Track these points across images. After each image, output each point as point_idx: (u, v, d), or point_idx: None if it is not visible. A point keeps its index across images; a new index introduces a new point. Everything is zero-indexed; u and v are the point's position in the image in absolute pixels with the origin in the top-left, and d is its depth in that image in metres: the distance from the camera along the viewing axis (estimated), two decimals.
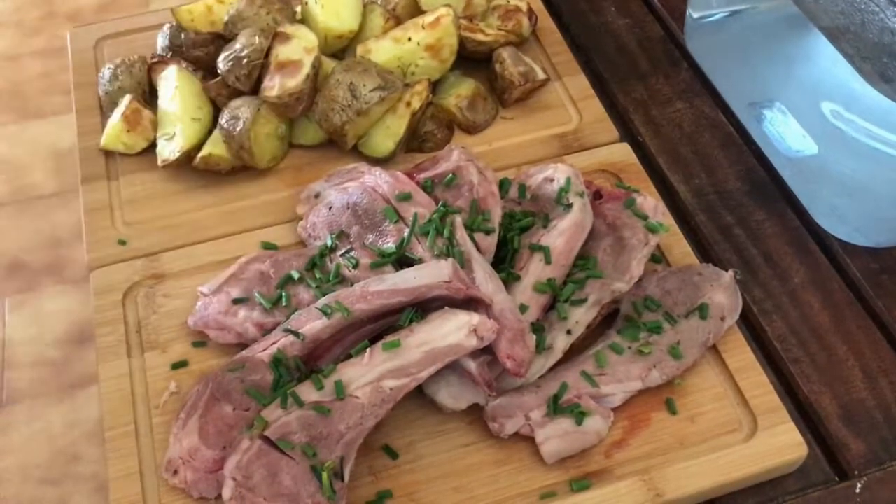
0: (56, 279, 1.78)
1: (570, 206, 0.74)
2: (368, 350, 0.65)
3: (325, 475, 0.61)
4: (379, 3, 0.90)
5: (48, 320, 1.71)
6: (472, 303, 0.67)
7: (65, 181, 1.94)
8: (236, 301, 0.71)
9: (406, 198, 0.74)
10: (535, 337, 0.67)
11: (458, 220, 0.72)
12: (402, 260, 0.71)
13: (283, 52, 0.82)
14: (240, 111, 0.81)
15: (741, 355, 0.72)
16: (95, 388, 0.78)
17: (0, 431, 1.57)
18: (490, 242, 0.73)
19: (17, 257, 1.82)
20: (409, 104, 0.84)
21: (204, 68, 0.88)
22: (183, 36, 0.88)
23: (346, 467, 0.62)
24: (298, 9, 0.89)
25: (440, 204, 0.73)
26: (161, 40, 0.90)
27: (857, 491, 0.67)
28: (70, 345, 1.68)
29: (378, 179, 0.76)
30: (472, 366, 0.66)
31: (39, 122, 2.05)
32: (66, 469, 1.54)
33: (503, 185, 0.79)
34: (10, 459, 1.54)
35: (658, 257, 0.77)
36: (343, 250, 0.73)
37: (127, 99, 0.86)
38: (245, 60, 0.82)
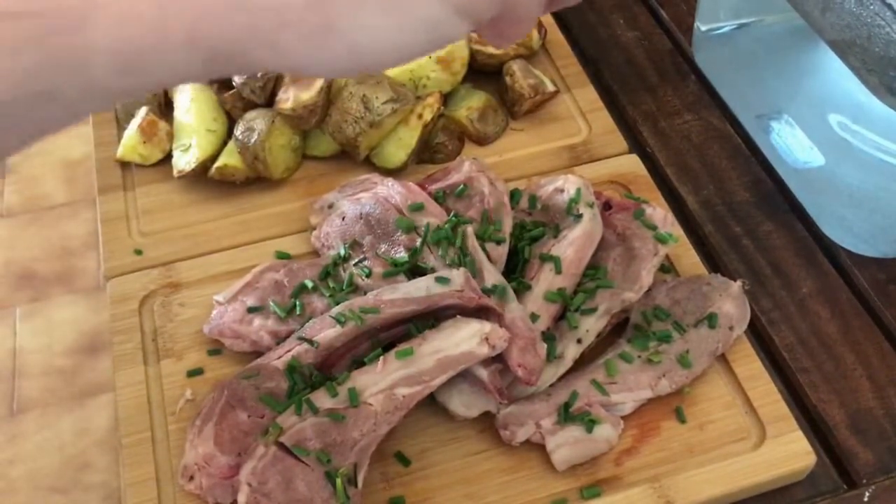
0: (67, 288, 1.81)
1: (580, 216, 0.75)
2: (382, 358, 0.66)
3: (339, 481, 0.61)
4: None
5: (59, 329, 1.73)
6: (483, 312, 0.68)
7: (75, 191, 1.96)
8: (251, 310, 0.72)
9: (418, 208, 0.75)
10: (545, 346, 0.68)
11: (470, 230, 0.73)
12: (415, 269, 0.72)
13: None
14: (254, 123, 0.82)
15: (749, 364, 0.72)
16: (105, 396, 0.79)
17: (11, 440, 1.59)
18: (501, 252, 0.74)
19: (29, 267, 1.84)
20: (420, 116, 0.85)
21: (219, 81, 0.89)
22: None
23: (360, 474, 0.63)
24: None
25: (452, 214, 0.74)
26: None
27: (866, 500, 0.68)
28: (80, 354, 1.70)
29: (390, 190, 0.77)
30: (483, 374, 0.66)
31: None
32: (75, 477, 1.55)
33: (514, 196, 0.80)
34: (20, 467, 1.56)
35: (667, 267, 0.78)
36: (356, 260, 0.74)
37: (143, 111, 0.88)
38: (260, 73, 0.83)
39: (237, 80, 0.84)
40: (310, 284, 0.73)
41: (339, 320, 0.67)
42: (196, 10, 0.32)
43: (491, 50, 0.92)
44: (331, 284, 0.73)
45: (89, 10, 0.31)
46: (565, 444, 0.66)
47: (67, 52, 0.31)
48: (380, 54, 0.37)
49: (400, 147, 0.85)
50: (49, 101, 0.32)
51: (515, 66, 0.91)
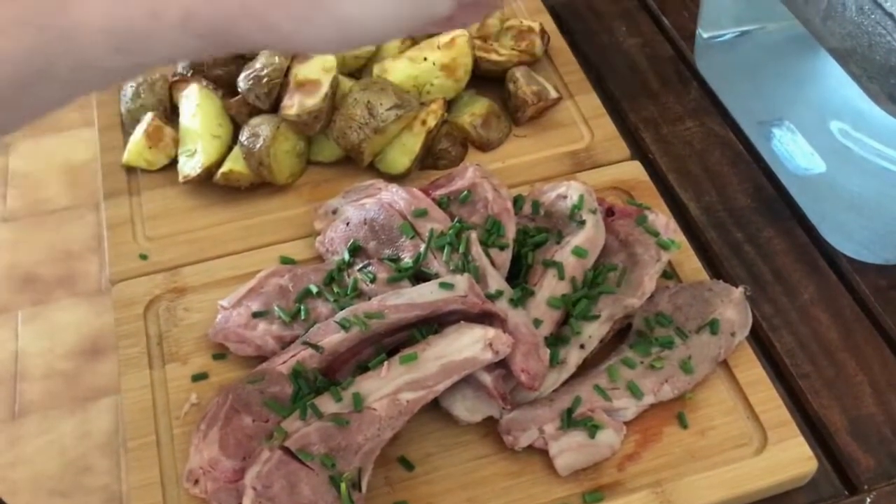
0: (68, 292, 1.81)
1: (582, 222, 0.75)
2: (386, 363, 0.66)
3: (343, 486, 0.62)
4: None
5: (60, 333, 1.74)
6: (487, 317, 0.68)
7: (78, 195, 1.97)
8: (256, 314, 0.72)
9: (422, 214, 0.75)
10: (548, 351, 0.68)
11: (474, 235, 0.73)
12: (419, 275, 0.72)
13: (302, 71, 0.84)
14: (259, 129, 0.83)
15: (751, 370, 0.73)
16: (107, 400, 0.79)
17: (12, 443, 1.59)
18: (504, 258, 0.74)
19: (31, 270, 1.85)
20: (424, 122, 0.85)
21: (224, 87, 0.90)
22: None
23: (364, 478, 0.64)
24: None
25: (455, 220, 0.75)
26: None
27: None
28: (82, 357, 1.70)
29: (394, 196, 0.77)
30: (487, 379, 0.67)
31: (54, 136, 2.08)
32: (77, 480, 1.55)
33: (517, 202, 0.80)
34: (22, 470, 1.56)
35: (669, 273, 0.79)
36: (360, 265, 0.74)
37: (149, 116, 0.88)
38: (265, 79, 0.83)
39: (242, 85, 0.85)
40: (314, 289, 0.73)
41: (344, 325, 0.68)
42: None
43: (494, 57, 0.92)
44: (335, 289, 0.73)
45: None
46: (568, 450, 0.66)
47: (58, 32, 0.32)
48: (366, 27, 0.38)
49: (404, 153, 0.86)
50: (47, 80, 0.34)
51: (518, 73, 0.92)
